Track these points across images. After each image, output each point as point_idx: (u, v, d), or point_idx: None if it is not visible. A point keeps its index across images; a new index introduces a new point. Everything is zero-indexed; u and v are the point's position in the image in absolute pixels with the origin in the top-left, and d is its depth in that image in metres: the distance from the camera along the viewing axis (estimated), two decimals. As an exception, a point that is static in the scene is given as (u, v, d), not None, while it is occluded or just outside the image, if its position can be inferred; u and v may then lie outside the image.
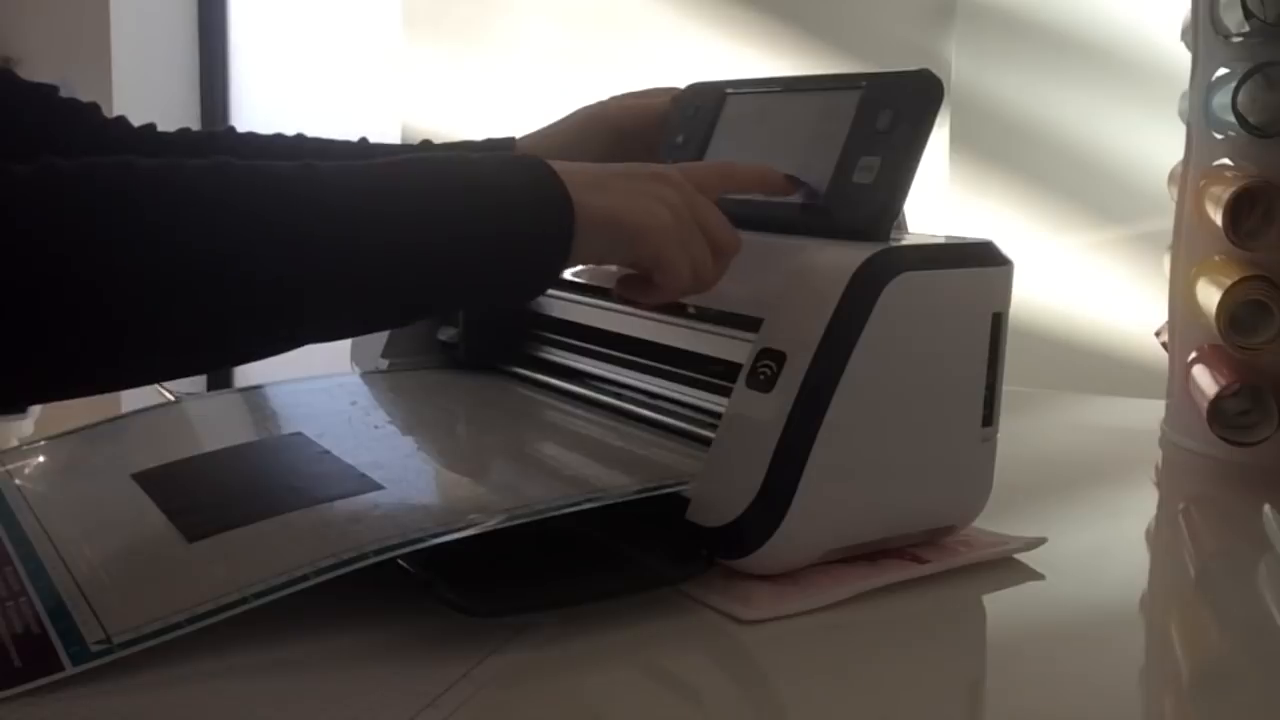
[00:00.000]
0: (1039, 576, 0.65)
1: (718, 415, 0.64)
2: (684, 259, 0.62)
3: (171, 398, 0.85)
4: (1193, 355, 0.90)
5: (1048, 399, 1.16)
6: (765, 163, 0.72)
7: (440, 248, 0.56)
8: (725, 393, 0.64)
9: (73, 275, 0.49)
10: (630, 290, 0.65)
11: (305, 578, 0.54)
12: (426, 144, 0.87)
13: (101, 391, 0.54)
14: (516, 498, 0.60)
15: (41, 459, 0.77)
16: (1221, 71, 0.87)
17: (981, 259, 0.64)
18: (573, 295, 0.83)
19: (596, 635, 0.56)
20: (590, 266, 0.79)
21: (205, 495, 0.67)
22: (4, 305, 0.48)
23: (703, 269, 0.63)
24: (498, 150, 0.85)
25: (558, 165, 0.59)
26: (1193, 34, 0.91)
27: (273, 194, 0.53)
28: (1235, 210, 0.84)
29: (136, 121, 0.84)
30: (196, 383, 2.82)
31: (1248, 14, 0.82)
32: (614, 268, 0.79)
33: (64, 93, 0.81)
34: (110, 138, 0.81)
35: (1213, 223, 0.85)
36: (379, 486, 0.63)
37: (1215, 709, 0.55)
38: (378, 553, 0.55)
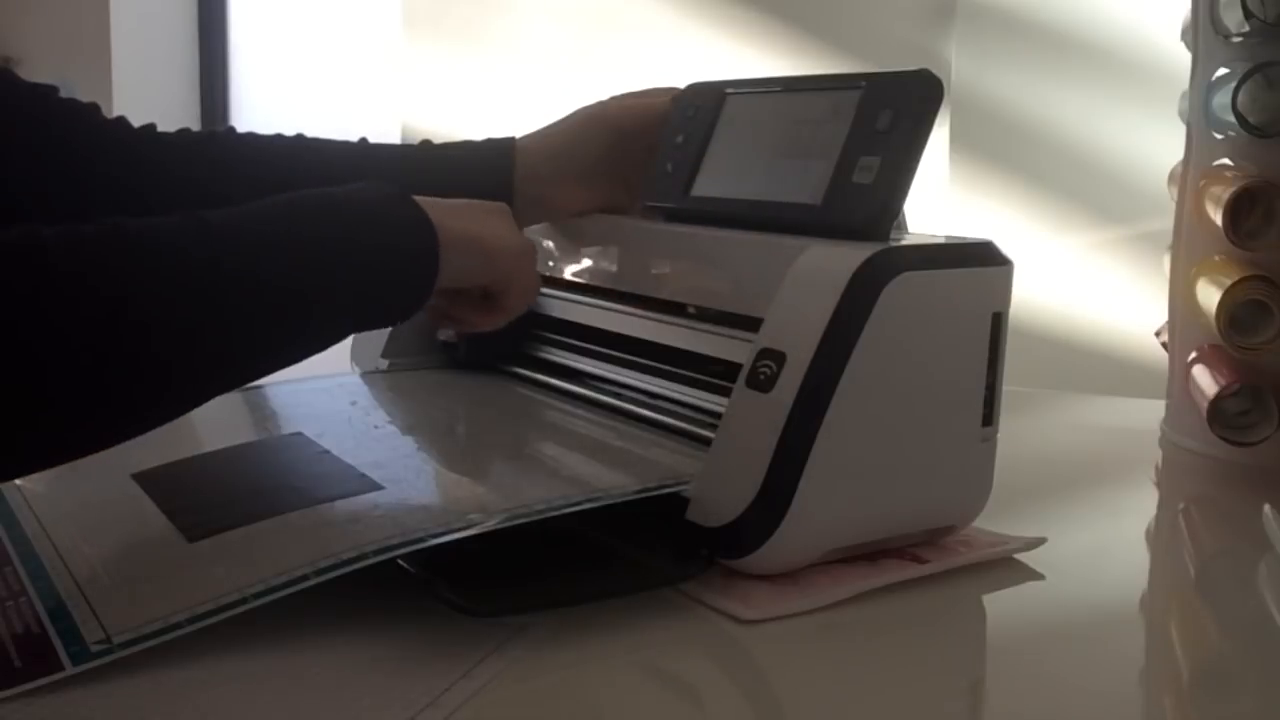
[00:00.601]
0: (1039, 576, 0.65)
1: (718, 415, 0.64)
2: (530, 277, 0.71)
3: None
4: (1193, 355, 0.90)
5: (1048, 399, 1.16)
6: (764, 163, 0.72)
7: (319, 276, 0.60)
8: (725, 393, 0.64)
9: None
10: (465, 315, 0.72)
11: (305, 578, 0.54)
12: (426, 144, 0.87)
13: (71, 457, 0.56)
14: (516, 498, 0.60)
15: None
16: (1221, 71, 0.87)
17: (981, 259, 0.64)
18: (573, 295, 0.83)
19: (596, 635, 0.56)
20: (591, 265, 0.79)
21: (205, 495, 0.67)
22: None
23: (534, 289, 0.73)
24: (498, 150, 0.85)
25: (417, 197, 0.65)
26: (1193, 34, 0.91)
27: (165, 250, 0.56)
28: (1235, 210, 0.84)
29: (136, 121, 0.84)
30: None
31: (1248, 14, 0.82)
32: (614, 267, 0.79)
33: (64, 93, 0.81)
34: (110, 138, 0.81)
35: (1213, 223, 0.85)
36: (379, 486, 0.63)
37: (1215, 709, 0.55)
38: (378, 553, 0.55)
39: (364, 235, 0.62)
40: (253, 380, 0.61)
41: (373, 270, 0.62)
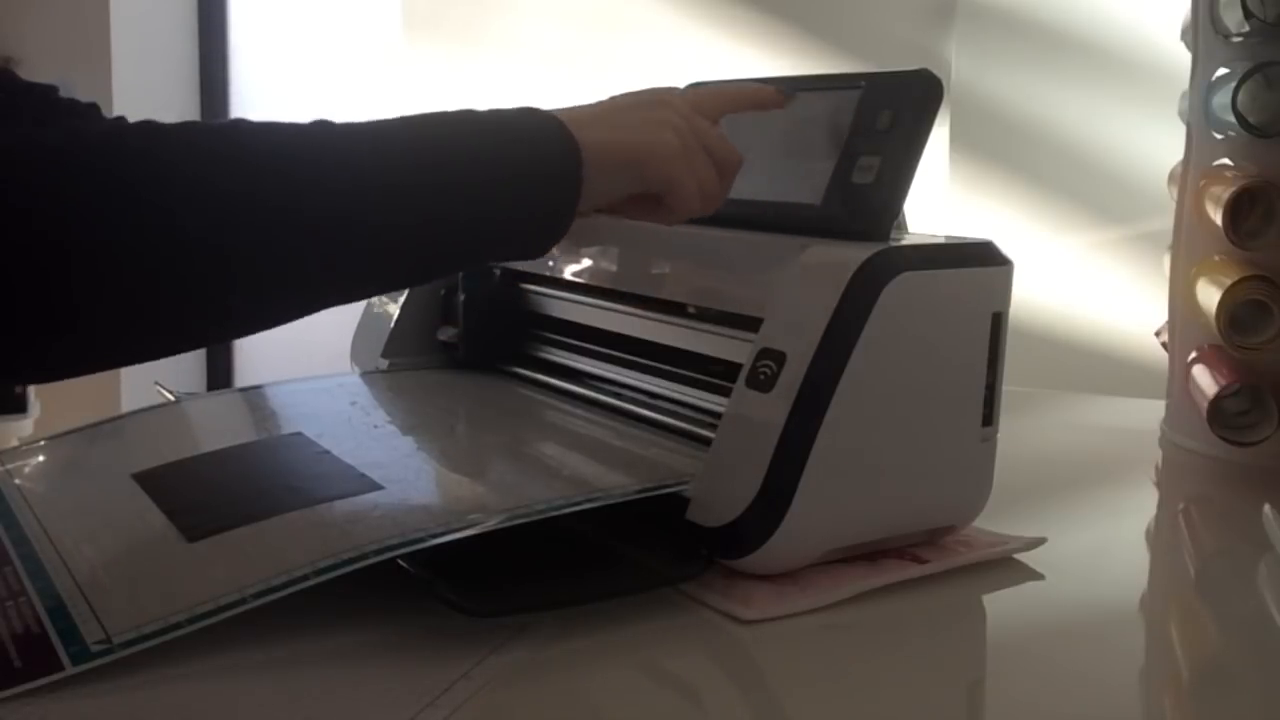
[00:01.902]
0: (1039, 576, 0.65)
1: (718, 415, 0.64)
2: (692, 180, 0.63)
3: (171, 398, 0.85)
4: (1193, 355, 0.90)
5: (1048, 399, 1.16)
6: (764, 162, 0.72)
7: (454, 198, 0.57)
8: (725, 393, 0.64)
9: (102, 236, 0.49)
10: (641, 213, 0.66)
11: (305, 578, 0.54)
12: None
13: (140, 358, 0.54)
14: (516, 498, 0.60)
15: (41, 459, 0.77)
16: (1221, 71, 0.87)
17: (981, 259, 0.64)
18: (573, 295, 0.83)
19: (596, 635, 0.56)
20: (591, 265, 0.79)
21: (205, 495, 0.67)
22: (30, 270, 0.48)
23: (710, 187, 0.64)
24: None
25: (559, 110, 0.60)
26: (1193, 34, 0.91)
27: (292, 146, 0.54)
28: (1235, 210, 0.84)
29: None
30: (197, 382, 2.82)
31: (1248, 14, 0.82)
32: (614, 267, 0.79)
33: (64, 93, 0.81)
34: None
35: (1213, 223, 0.85)
36: (379, 486, 0.63)
37: (1215, 709, 0.55)
38: (378, 553, 0.55)
39: (502, 166, 0.58)
40: (356, 299, 0.57)
41: (507, 208, 0.58)
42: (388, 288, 0.59)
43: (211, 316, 0.54)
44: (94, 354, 0.53)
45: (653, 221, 0.66)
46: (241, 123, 0.54)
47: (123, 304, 0.51)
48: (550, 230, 0.61)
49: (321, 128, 0.55)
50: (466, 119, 0.59)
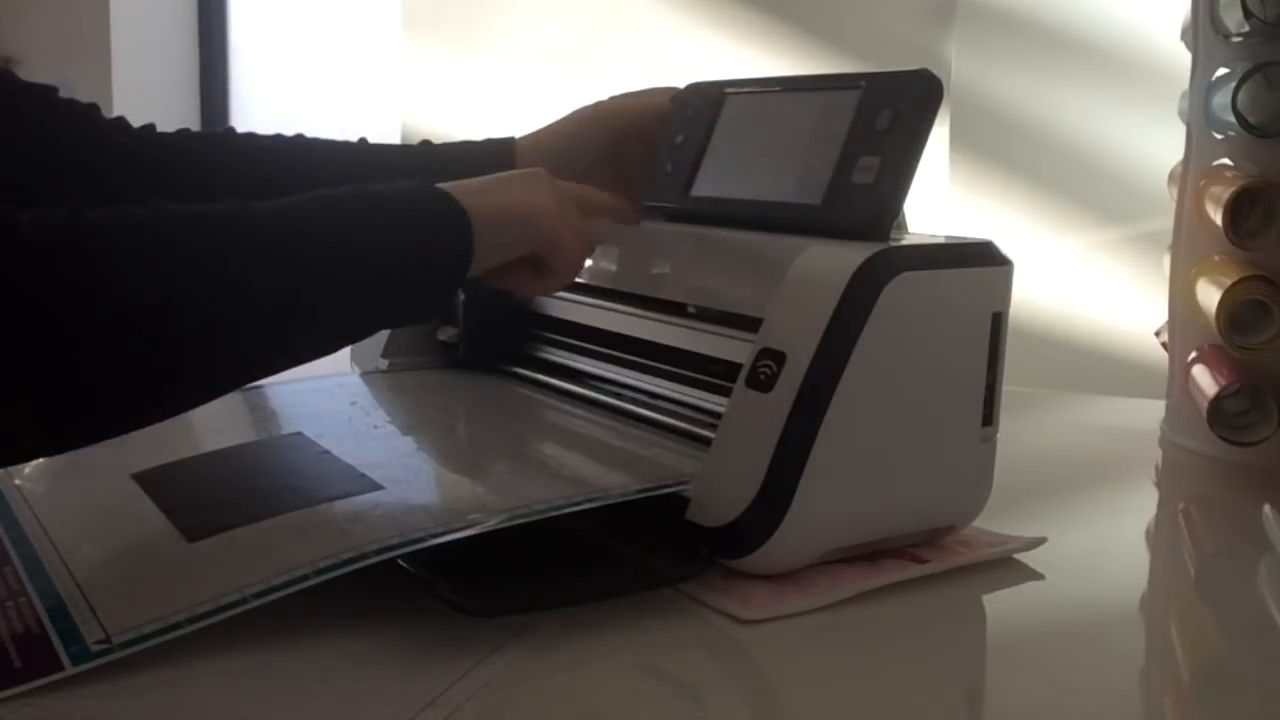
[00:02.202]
0: (1039, 576, 0.65)
1: (718, 415, 0.64)
2: (574, 237, 0.68)
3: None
4: (1193, 355, 0.90)
5: (1048, 399, 1.16)
6: (764, 163, 0.72)
7: (356, 269, 0.60)
8: (725, 393, 0.64)
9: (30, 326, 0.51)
10: (520, 283, 0.70)
11: (305, 578, 0.54)
12: (426, 144, 0.87)
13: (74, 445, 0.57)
14: (516, 498, 0.60)
15: (41, 459, 0.77)
16: (1221, 71, 0.87)
17: (981, 259, 0.64)
18: (573, 295, 0.83)
19: (596, 635, 0.56)
20: (591, 265, 0.79)
21: (205, 495, 0.67)
22: None
23: (583, 248, 0.70)
24: (498, 150, 0.85)
25: (444, 185, 0.65)
26: (1193, 34, 0.91)
27: (204, 235, 0.56)
28: (1235, 210, 0.84)
29: (136, 121, 0.84)
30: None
31: (1248, 14, 0.82)
32: (614, 267, 0.79)
33: (64, 93, 0.81)
34: (110, 139, 0.81)
35: (1213, 223, 0.85)
36: (379, 486, 0.63)
37: (1215, 709, 0.55)
38: (378, 553, 0.55)
39: (392, 229, 0.62)
40: (271, 375, 0.60)
41: (403, 264, 0.62)
42: (300, 359, 0.61)
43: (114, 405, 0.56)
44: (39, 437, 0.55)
45: (529, 292, 0.72)
46: (165, 208, 0.56)
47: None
48: (446, 288, 0.65)
49: (233, 214, 0.58)
50: (362, 194, 0.62)
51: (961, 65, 1.78)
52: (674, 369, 0.75)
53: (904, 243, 0.63)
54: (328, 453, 0.70)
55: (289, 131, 0.86)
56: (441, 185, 0.64)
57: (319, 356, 0.61)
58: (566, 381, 0.83)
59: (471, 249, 0.63)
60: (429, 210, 0.63)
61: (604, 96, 0.87)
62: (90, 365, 0.53)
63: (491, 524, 0.57)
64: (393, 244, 0.61)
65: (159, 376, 0.56)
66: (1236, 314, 0.84)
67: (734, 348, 0.68)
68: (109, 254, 0.54)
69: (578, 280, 0.81)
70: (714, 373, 0.71)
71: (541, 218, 0.66)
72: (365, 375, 0.89)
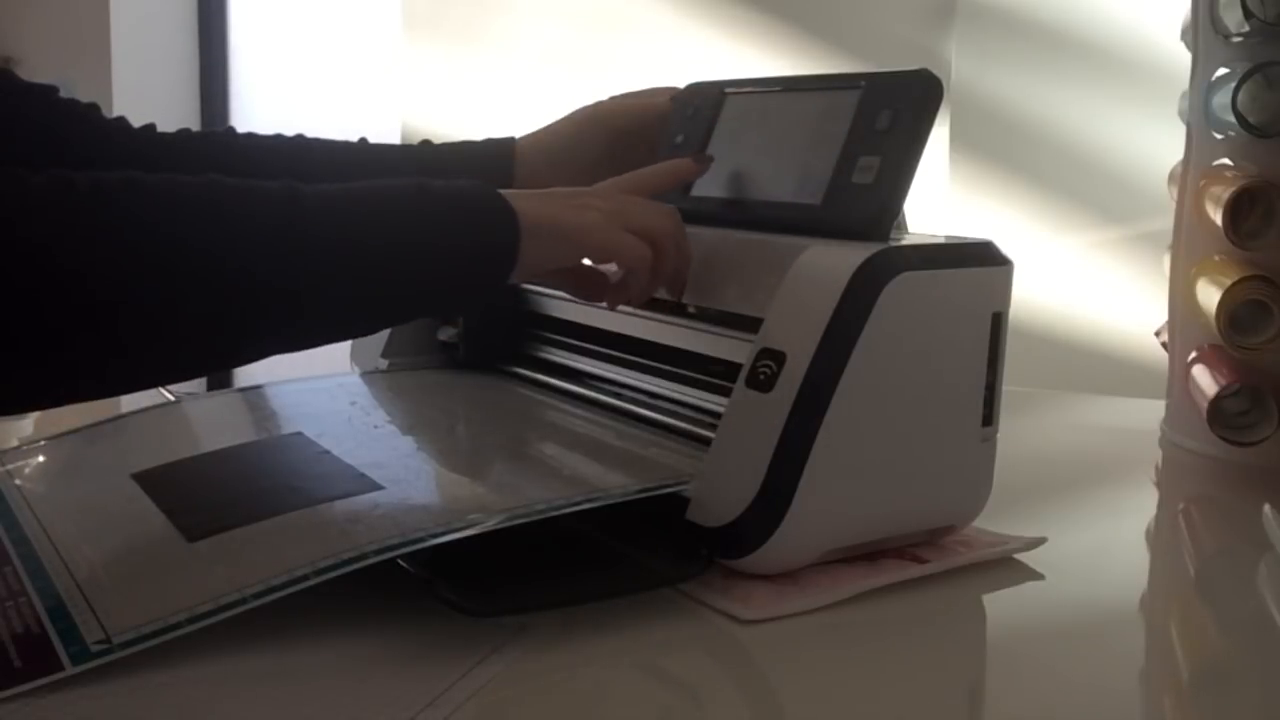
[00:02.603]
0: (1039, 576, 0.65)
1: (718, 415, 0.64)
2: (629, 240, 0.67)
3: (171, 398, 0.85)
4: (1193, 355, 0.90)
5: (1048, 399, 1.16)
6: (764, 163, 0.72)
7: (403, 260, 0.61)
8: (725, 393, 0.64)
9: (79, 280, 0.53)
10: (594, 292, 0.71)
11: (305, 578, 0.54)
12: (426, 144, 0.87)
13: (93, 396, 0.58)
14: (516, 498, 0.60)
15: (41, 459, 0.77)
16: (1221, 71, 0.87)
17: (981, 259, 0.64)
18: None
19: (596, 635, 0.56)
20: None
21: (205, 495, 0.67)
22: (16, 307, 0.51)
23: (641, 241, 0.68)
24: (498, 150, 0.85)
25: (504, 191, 0.65)
26: (1193, 34, 0.91)
27: (257, 211, 0.58)
28: (1235, 210, 0.84)
29: (136, 122, 0.84)
30: (196, 383, 2.82)
31: (1248, 14, 0.82)
32: (613, 266, 0.79)
33: (64, 93, 0.81)
34: (110, 139, 0.81)
35: (1213, 223, 0.85)
36: (379, 486, 0.63)
37: (1215, 709, 0.55)
38: (378, 553, 0.55)
39: (441, 219, 0.63)
40: (305, 348, 0.61)
41: (449, 256, 0.63)
42: (341, 336, 0.63)
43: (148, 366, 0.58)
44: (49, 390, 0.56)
45: (627, 300, 0.71)
46: (219, 183, 0.58)
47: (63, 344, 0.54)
48: (487, 281, 0.65)
49: (288, 193, 0.59)
50: (416, 185, 0.63)
51: (961, 65, 1.78)
52: (674, 369, 0.75)
53: (904, 243, 0.63)
54: (328, 453, 0.70)
55: (289, 132, 0.86)
56: (501, 190, 0.65)
57: (347, 339, 0.63)
58: (566, 381, 0.83)
59: (517, 249, 0.64)
60: (481, 206, 0.64)
61: (604, 96, 0.87)
62: (127, 322, 0.54)
63: (491, 524, 0.57)
64: (441, 235, 0.62)
65: (201, 334, 0.57)
66: (1236, 314, 0.84)
67: (734, 348, 0.68)
68: (159, 212, 0.55)
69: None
70: (714, 373, 0.71)
71: (591, 230, 0.66)
72: (365, 375, 0.89)
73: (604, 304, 0.73)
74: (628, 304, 0.72)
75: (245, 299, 0.57)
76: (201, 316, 0.56)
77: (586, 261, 0.70)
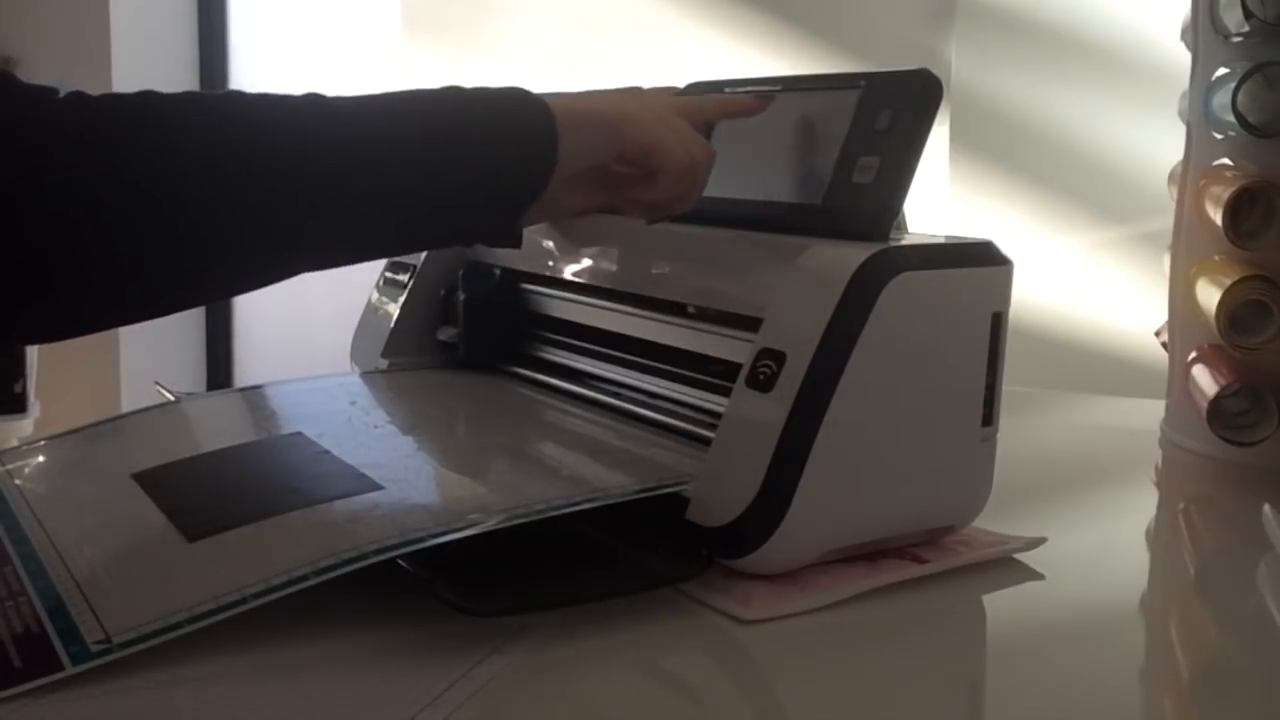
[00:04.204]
0: (1039, 576, 0.65)
1: (718, 415, 0.64)
2: (671, 136, 0.65)
3: (171, 398, 0.85)
4: (1193, 355, 0.90)
5: (1048, 399, 1.16)
6: (764, 162, 0.72)
7: (439, 157, 0.60)
8: (725, 393, 0.64)
9: (100, 199, 0.52)
10: (634, 193, 0.68)
11: (305, 578, 0.54)
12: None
13: (124, 321, 0.57)
14: (516, 498, 0.60)
15: (41, 459, 0.77)
16: (1221, 71, 0.87)
17: (981, 259, 0.64)
18: (573, 295, 0.83)
19: (596, 635, 0.56)
20: (591, 265, 0.79)
21: (205, 495, 0.67)
22: (36, 230, 0.51)
23: (694, 144, 0.66)
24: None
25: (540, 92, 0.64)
26: (1193, 34, 0.91)
27: (284, 116, 0.58)
28: (1235, 210, 0.84)
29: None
30: (197, 382, 2.82)
31: (1248, 14, 0.82)
32: (614, 267, 0.79)
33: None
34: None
35: (1213, 223, 0.85)
36: (379, 486, 0.63)
37: (1215, 709, 0.55)
38: (378, 553, 0.55)
39: (482, 127, 0.61)
40: (351, 262, 0.60)
41: (485, 154, 0.61)
42: (379, 252, 0.62)
43: (191, 274, 0.57)
44: (83, 314, 0.56)
45: (638, 207, 0.68)
46: (236, 95, 0.57)
47: (111, 265, 0.53)
48: (531, 186, 0.63)
49: (313, 102, 0.59)
50: (450, 92, 0.62)
51: (961, 65, 1.78)
52: (674, 369, 0.75)
53: (904, 243, 0.63)
54: (328, 453, 0.70)
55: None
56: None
57: (389, 255, 0.62)
58: (566, 381, 0.83)
59: (556, 145, 0.62)
60: (513, 106, 0.62)
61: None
62: (157, 243, 0.54)
63: (491, 524, 0.57)
64: (476, 136, 0.61)
65: (235, 240, 0.56)
66: (1236, 314, 0.84)
67: (734, 348, 0.68)
68: (179, 125, 0.55)
69: (577, 280, 0.80)
70: (714, 373, 0.71)
71: (629, 121, 0.64)
72: (365, 375, 0.89)
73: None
74: (644, 212, 0.69)
75: (284, 208, 0.56)
76: (240, 229, 0.55)
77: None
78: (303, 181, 0.56)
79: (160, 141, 0.54)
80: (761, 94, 0.73)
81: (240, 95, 0.57)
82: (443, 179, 0.60)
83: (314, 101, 0.58)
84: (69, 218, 0.51)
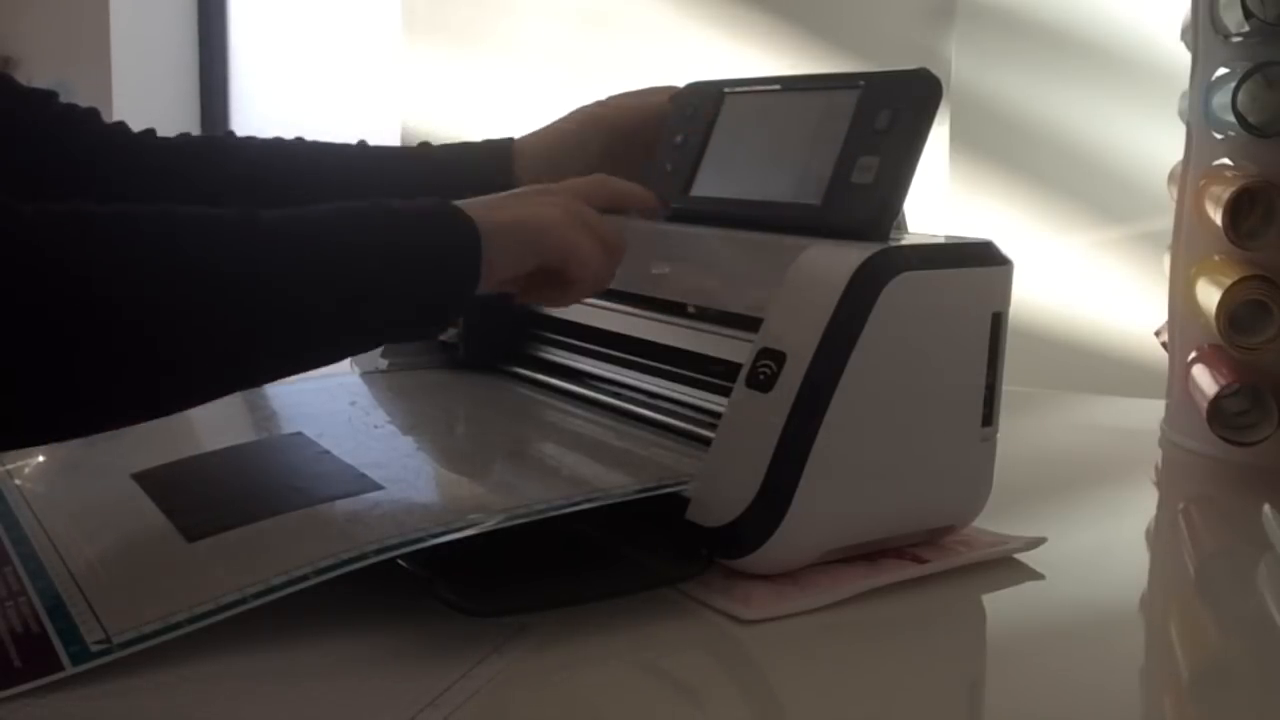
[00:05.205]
0: (1039, 576, 0.65)
1: (718, 415, 0.64)
2: (591, 242, 0.67)
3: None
4: (1192, 355, 0.90)
5: (1048, 399, 1.16)
6: (764, 162, 0.72)
7: (367, 281, 0.60)
8: (725, 393, 0.64)
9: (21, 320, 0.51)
10: (541, 295, 0.69)
11: (305, 578, 0.54)
12: (425, 145, 0.87)
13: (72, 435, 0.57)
14: (516, 498, 0.60)
15: (41, 459, 0.77)
16: (1221, 71, 0.87)
17: (981, 259, 0.64)
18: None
19: (596, 635, 0.56)
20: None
21: (205, 495, 0.67)
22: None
23: (604, 248, 0.68)
24: (496, 151, 0.85)
25: (458, 202, 0.65)
26: (1193, 34, 0.91)
27: (216, 242, 0.57)
28: (1235, 210, 0.84)
29: (136, 124, 0.84)
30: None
31: (1248, 14, 0.82)
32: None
33: (63, 97, 0.81)
34: (109, 143, 0.81)
35: (1213, 222, 0.85)
36: (379, 486, 0.63)
37: (1215, 709, 0.55)
38: (378, 553, 0.55)
39: (402, 240, 0.62)
40: (273, 380, 0.61)
41: (413, 275, 0.62)
42: (304, 367, 0.62)
43: (135, 395, 0.57)
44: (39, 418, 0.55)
45: (551, 304, 0.70)
46: (174, 211, 0.57)
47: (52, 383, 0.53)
48: (455, 301, 0.65)
49: (246, 222, 0.58)
50: (374, 207, 0.63)
51: (961, 65, 1.78)
52: (674, 369, 0.75)
53: (904, 243, 0.63)
54: (328, 453, 0.70)
55: (289, 133, 0.86)
56: (455, 203, 0.64)
57: (323, 365, 0.62)
58: (566, 381, 0.83)
59: (479, 261, 0.63)
60: (439, 224, 0.63)
61: (604, 96, 0.87)
62: (86, 358, 0.53)
63: (491, 524, 0.57)
64: (402, 255, 0.61)
65: (157, 372, 0.56)
66: (1236, 314, 0.84)
67: (734, 348, 0.68)
68: (112, 249, 0.54)
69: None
70: (714, 373, 0.71)
71: (553, 229, 0.66)
72: (365, 375, 0.89)
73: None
74: (554, 304, 0.72)
75: (209, 331, 0.56)
76: (162, 349, 0.55)
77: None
78: (239, 307, 0.57)
79: (81, 259, 0.53)
80: (663, 204, 0.77)
81: (174, 211, 0.57)
82: (375, 301, 0.61)
83: (243, 217, 0.58)
84: (20, 317, 0.51)
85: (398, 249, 0.61)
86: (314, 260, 0.59)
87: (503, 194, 0.68)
